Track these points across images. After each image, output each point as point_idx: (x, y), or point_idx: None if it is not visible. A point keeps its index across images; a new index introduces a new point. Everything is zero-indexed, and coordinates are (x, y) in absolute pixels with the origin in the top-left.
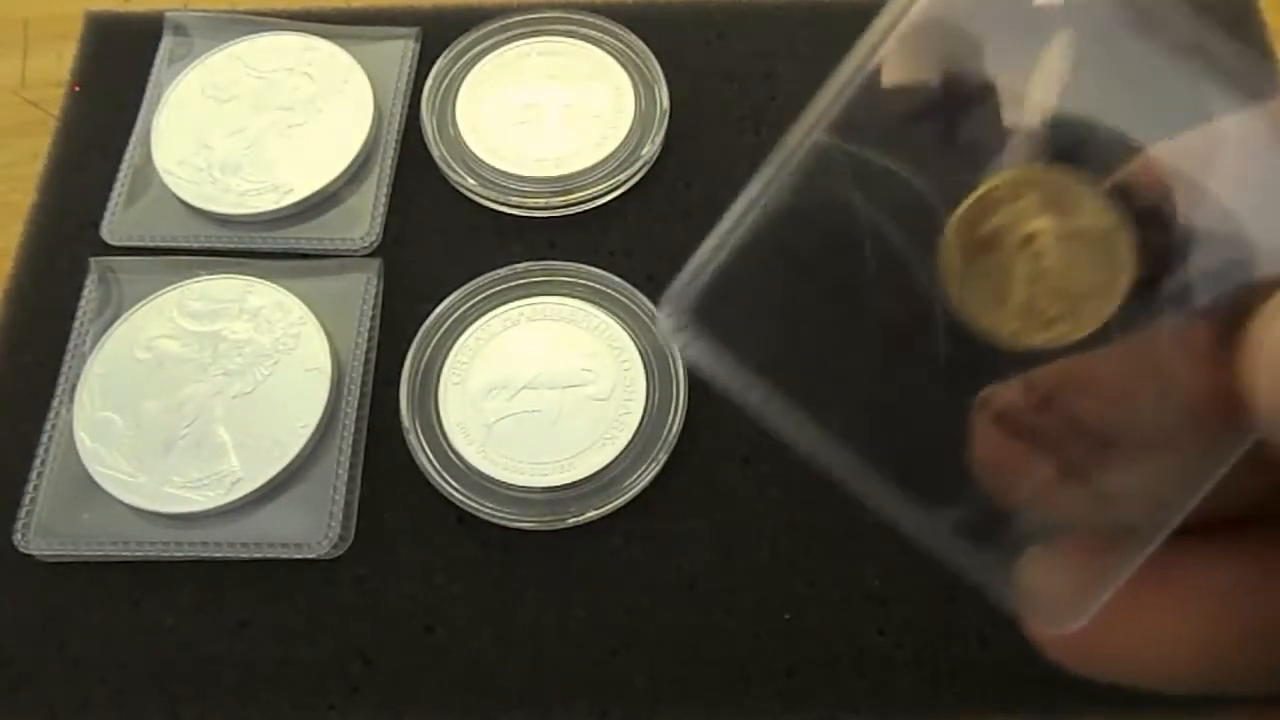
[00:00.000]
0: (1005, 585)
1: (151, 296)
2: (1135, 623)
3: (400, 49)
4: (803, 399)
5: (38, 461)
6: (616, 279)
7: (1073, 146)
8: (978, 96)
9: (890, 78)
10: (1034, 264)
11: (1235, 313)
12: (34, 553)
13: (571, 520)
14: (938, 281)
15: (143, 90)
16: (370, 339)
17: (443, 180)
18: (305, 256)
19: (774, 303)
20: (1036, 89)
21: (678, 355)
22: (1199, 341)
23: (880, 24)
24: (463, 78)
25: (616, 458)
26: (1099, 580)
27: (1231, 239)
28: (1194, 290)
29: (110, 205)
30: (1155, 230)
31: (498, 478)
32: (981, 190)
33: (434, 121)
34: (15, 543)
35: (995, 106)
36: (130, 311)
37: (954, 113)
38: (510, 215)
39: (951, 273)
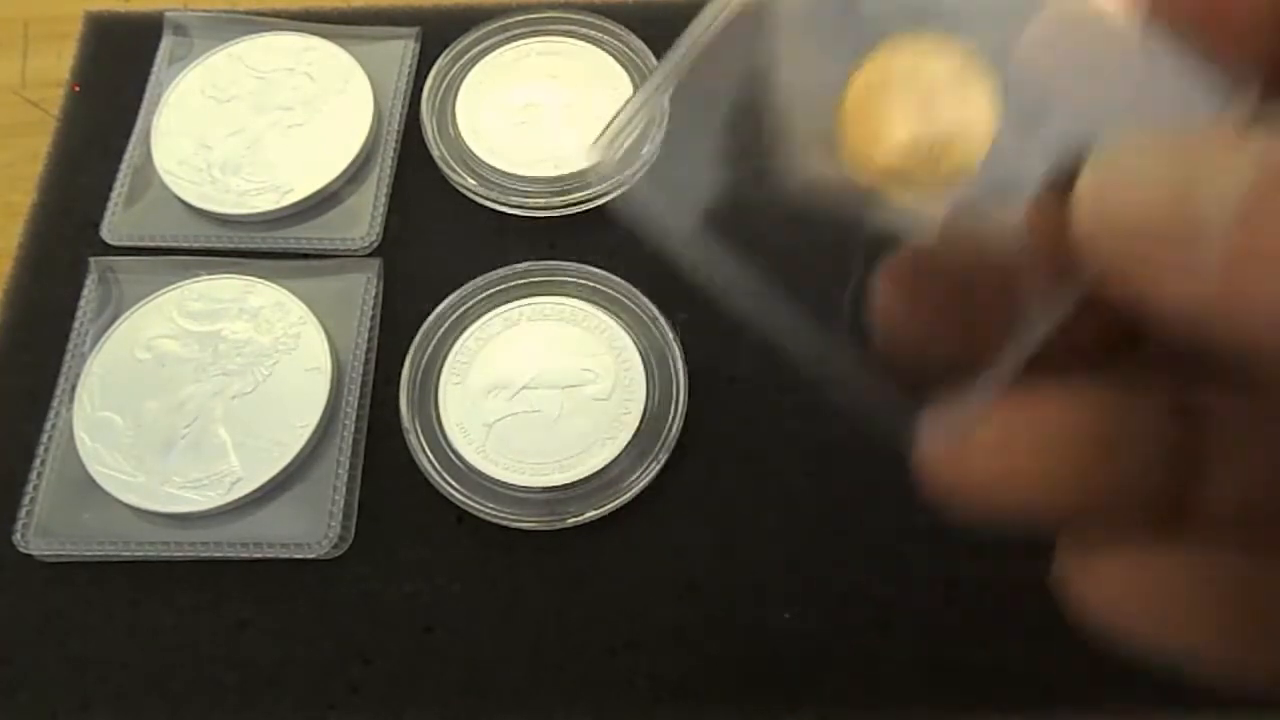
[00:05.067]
0: (905, 430)
1: (151, 296)
2: (1009, 458)
3: (400, 49)
4: (734, 249)
5: (38, 461)
6: (616, 279)
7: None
8: None
9: None
10: (915, 108)
11: (1076, 170)
12: (34, 553)
13: (571, 520)
14: (837, 134)
15: (143, 90)
16: (370, 339)
17: (443, 180)
18: (305, 256)
19: (701, 154)
20: None
21: (678, 355)
22: (1050, 198)
23: None
24: (463, 78)
25: (616, 458)
26: (959, 409)
27: (1088, 109)
28: (1050, 148)
29: (110, 205)
30: (1019, 91)
31: (498, 478)
32: (878, 47)
33: (434, 121)
34: (15, 543)
35: None
36: (130, 311)
37: None
38: (510, 215)
39: (844, 118)
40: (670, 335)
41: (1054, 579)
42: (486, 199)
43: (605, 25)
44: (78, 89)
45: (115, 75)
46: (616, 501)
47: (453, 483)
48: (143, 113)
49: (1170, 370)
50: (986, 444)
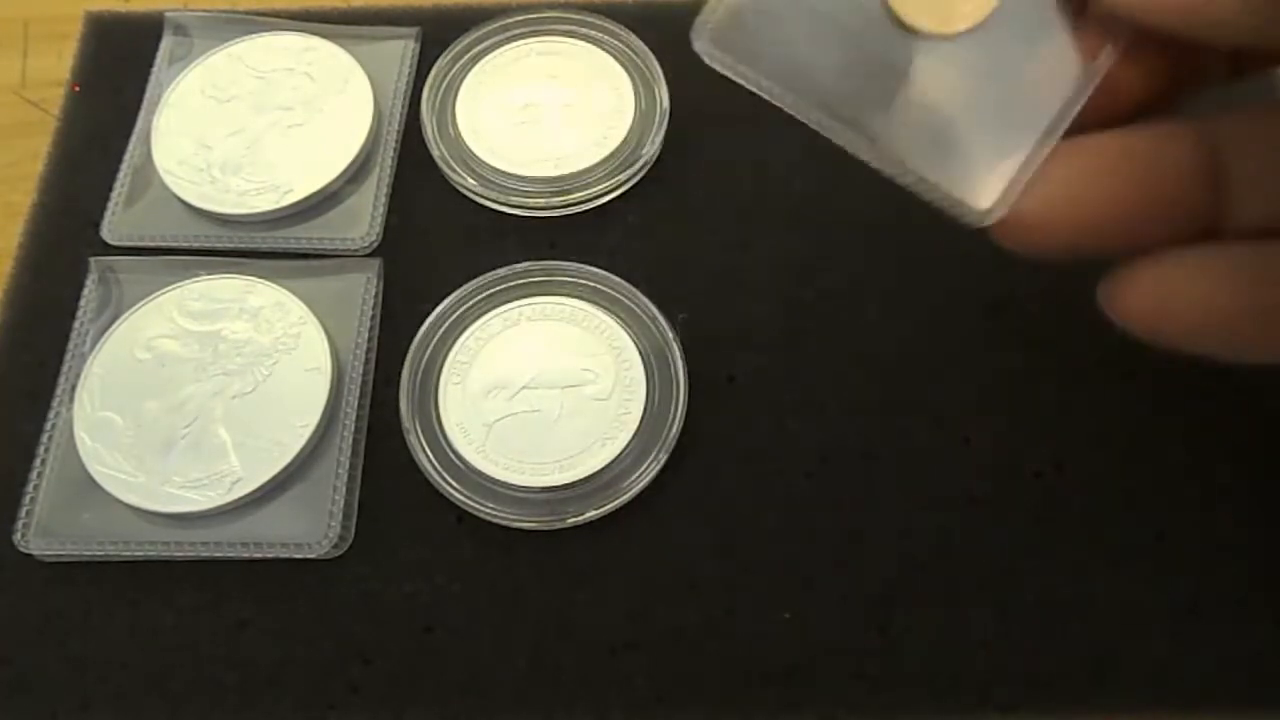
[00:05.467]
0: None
1: (151, 296)
2: (1064, 193)
3: (400, 49)
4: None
5: (38, 461)
6: (616, 279)
7: None
8: None
9: None
10: None
11: None
12: (34, 553)
13: (571, 520)
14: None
15: (143, 90)
16: (370, 339)
17: (443, 180)
18: (305, 256)
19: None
20: None
21: (678, 355)
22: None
23: None
24: (463, 78)
25: (616, 458)
26: (1014, 162)
27: None
28: None
29: (110, 205)
30: None
31: (498, 478)
32: None
33: (434, 121)
34: (15, 543)
35: None
36: (130, 311)
37: None
38: (510, 215)
39: None
40: (670, 335)
41: (1101, 297)
42: (486, 199)
43: (605, 25)
44: (78, 89)
45: (115, 75)
46: (616, 501)
47: (453, 483)
48: (143, 113)
49: (1198, 117)
50: (1049, 181)
